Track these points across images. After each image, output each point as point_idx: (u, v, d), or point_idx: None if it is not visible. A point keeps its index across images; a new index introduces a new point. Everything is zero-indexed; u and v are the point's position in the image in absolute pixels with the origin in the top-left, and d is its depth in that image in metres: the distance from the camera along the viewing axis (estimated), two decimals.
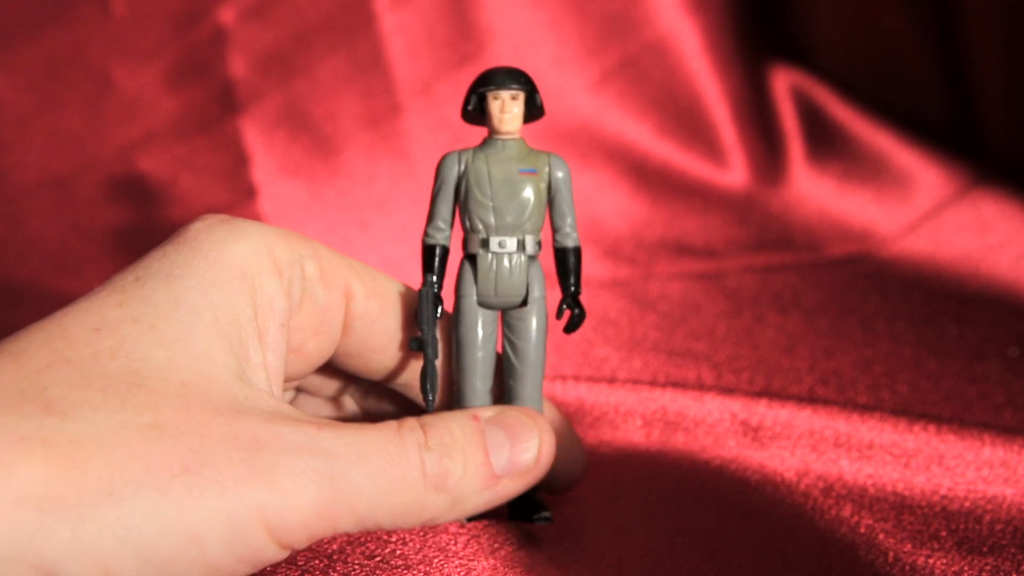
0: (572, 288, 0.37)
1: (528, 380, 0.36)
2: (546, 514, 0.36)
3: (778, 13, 0.78)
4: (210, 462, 0.26)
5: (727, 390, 0.47)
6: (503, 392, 0.37)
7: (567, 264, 0.37)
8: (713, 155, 0.75)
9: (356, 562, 0.33)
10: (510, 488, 0.33)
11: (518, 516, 0.36)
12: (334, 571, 0.33)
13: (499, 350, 0.38)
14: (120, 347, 0.28)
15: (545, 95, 0.38)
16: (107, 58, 0.78)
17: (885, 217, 0.71)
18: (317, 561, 0.33)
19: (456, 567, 0.33)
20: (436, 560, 0.33)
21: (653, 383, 0.48)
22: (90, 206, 0.77)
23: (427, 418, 0.32)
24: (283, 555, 0.28)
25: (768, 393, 0.48)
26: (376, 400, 0.40)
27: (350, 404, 0.40)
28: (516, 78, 0.36)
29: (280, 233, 0.33)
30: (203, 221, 0.33)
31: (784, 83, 0.77)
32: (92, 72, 0.78)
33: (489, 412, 0.34)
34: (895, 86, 0.74)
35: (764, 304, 0.64)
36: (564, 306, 0.36)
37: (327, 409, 0.40)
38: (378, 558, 0.33)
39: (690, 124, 0.76)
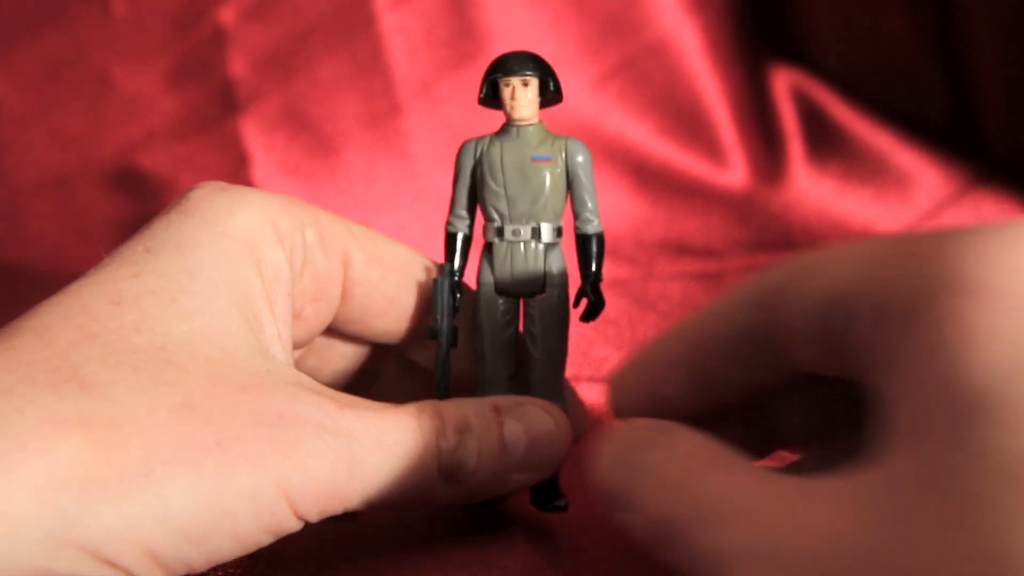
0: (592, 276, 0.36)
1: (546, 370, 0.36)
2: (561, 503, 0.35)
3: (778, 13, 0.78)
4: (239, 439, 0.27)
5: None
6: (525, 380, 0.36)
7: (587, 251, 0.36)
8: (713, 155, 0.75)
9: (358, 562, 0.33)
10: (522, 481, 0.33)
11: (535, 501, 0.35)
12: (335, 571, 0.33)
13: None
14: (143, 321, 0.28)
15: None
16: (107, 58, 0.78)
17: (885, 217, 0.71)
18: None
19: (457, 568, 0.33)
20: (437, 562, 0.33)
21: None
22: (90, 206, 0.77)
23: (447, 405, 0.31)
24: (299, 526, 0.28)
25: None
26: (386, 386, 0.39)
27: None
28: (527, 63, 0.35)
29: (281, 200, 0.33)
30: (202, 188, 0.33)
31: (784, 83, 0.76)
32: (92, 72, 0.78)
33: (509, 403, 0.33)
34: (895, 86, 0.74)
35: None
36: (581, 294, 0.36)
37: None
38: (380, 558, 0.33)
39: (690, 124, 0.75)
